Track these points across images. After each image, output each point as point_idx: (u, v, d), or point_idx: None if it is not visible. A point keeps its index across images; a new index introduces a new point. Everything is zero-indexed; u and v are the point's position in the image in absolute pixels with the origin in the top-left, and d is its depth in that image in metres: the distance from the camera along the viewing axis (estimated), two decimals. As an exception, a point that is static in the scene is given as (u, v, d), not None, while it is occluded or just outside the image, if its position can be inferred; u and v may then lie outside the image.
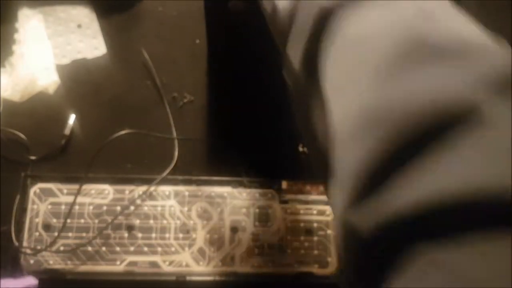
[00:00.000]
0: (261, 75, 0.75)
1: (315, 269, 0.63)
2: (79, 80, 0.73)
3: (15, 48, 0.73)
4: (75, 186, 0.64)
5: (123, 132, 0.67)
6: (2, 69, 0.73)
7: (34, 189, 0.65)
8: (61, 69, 0.74)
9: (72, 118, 0.70)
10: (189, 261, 0.63)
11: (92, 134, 0.70)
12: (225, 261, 0.63)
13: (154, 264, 0.63)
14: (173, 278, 0.62)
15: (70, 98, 0.72)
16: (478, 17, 0.85)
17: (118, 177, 0.66)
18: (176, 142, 0.69)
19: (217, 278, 0.63)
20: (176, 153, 0.69)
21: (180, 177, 0.67)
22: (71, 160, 0.68)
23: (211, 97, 0.74)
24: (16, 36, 0.74)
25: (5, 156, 0.68)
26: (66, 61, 0.74)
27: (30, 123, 0.70)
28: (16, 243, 0.62)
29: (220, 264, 0.63)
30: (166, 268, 0.63)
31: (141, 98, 0.73)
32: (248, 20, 0.73)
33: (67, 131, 0.69)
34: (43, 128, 0.70)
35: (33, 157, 0.68)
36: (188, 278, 0.62)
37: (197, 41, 0.77)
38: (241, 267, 0.63)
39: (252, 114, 0.73)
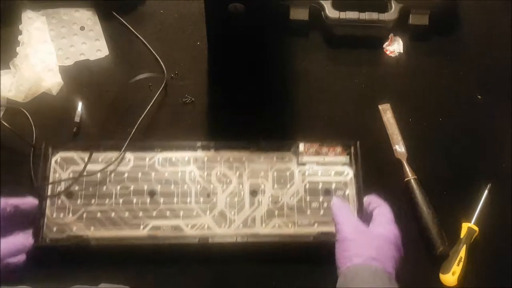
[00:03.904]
0: (261, 76, 0.75)
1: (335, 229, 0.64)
2: (82, 81, 0.73)
3: (19, 49, 0.73)
4: (96, 155, 0.65)
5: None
6: (6, 70, 0.72)
7: (56, 158, 0.66)
8: (64, 70, 0.73)
9: (80, 106, 0.69)
10: (210, 224, 0.64)
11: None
12: (246, 223, 0.64)
13: (177, 228, 0.64)
14: (196, 240, 0.63)
15: (73, 99, 0.71)
16: (478, 17, 0.85)
17: (138, 145, 0.67)
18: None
19: (239, 239, 0.64)
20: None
21: (198, 143, 0.68)
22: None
23: (211, 98, 0.74)
24: (20, 38, 0.74)
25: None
26: (69, 62, 0.74)
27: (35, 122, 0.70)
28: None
29: (241, 226, 0.64)
30: (188, 231, 0.64)
31: (143, 99, 0.72)
32: (248, 22, 0.74)
33: (77, 119, 0.69)
34: (48, 126, 0.70)
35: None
36: (210, 240, 0.63)
37: (198, 43, 0.77)
38: (262, 228, 0.64)
39: (252, 115, 0.72)
